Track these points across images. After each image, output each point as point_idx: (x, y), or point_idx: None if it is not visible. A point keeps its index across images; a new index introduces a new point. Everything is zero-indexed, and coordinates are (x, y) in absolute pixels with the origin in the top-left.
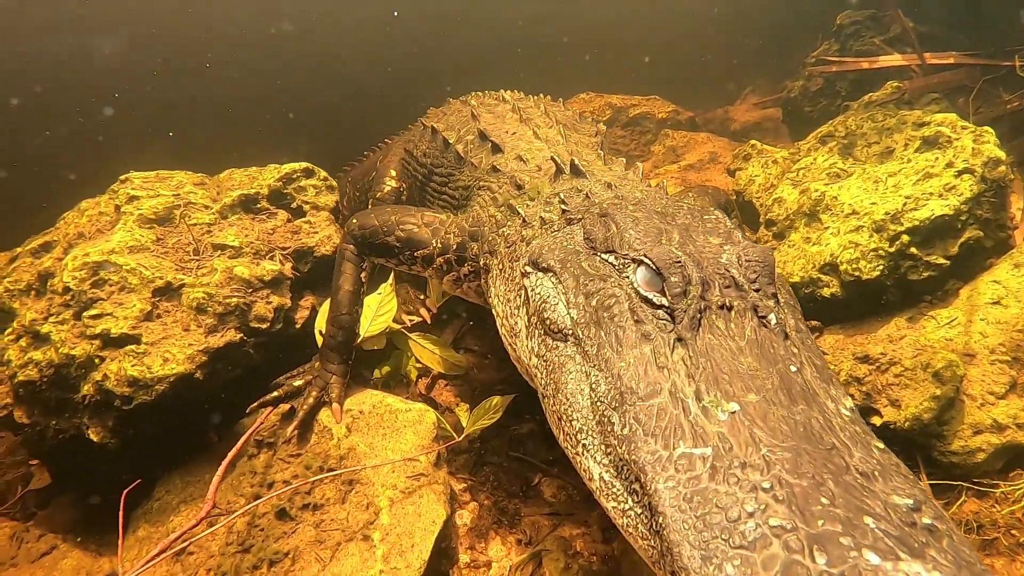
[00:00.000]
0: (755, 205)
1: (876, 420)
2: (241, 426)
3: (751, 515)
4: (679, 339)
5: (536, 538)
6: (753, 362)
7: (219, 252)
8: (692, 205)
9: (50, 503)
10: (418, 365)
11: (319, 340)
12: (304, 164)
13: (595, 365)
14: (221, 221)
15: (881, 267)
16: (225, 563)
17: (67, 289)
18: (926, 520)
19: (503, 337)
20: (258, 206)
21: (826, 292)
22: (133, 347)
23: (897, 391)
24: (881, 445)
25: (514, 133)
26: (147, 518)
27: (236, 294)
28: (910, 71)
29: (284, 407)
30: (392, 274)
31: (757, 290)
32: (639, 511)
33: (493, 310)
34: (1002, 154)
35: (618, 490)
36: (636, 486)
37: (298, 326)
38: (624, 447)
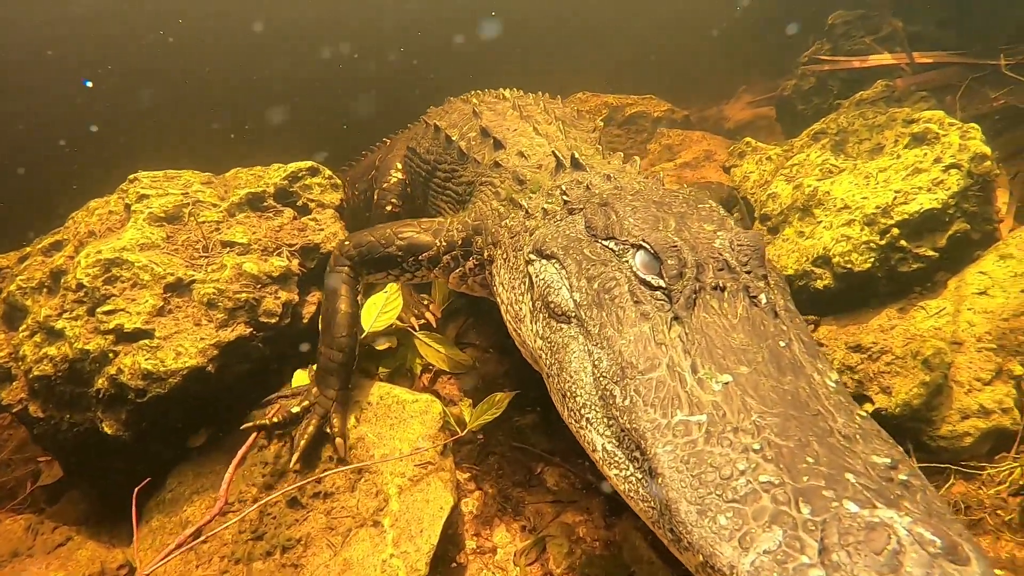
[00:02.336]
0: (751, 201)
1: (868, 407)
2: (251, 418)
3: (742, 473)
4: (676, 317)
5: (540, 525)
6: (745, 338)
7: (228, 249)
8: (688, 195)
9: (61, 498)
10: (422, 361)
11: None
12: (309, 163)
13: (597, 343)
14: (229, 219)
15: (872, 259)
16: (239, 550)
17: (80, 286)
18: (902, 476)
19: (507, 323)
20: (265, 204)
21: (819, 284)
22: (146, 341)
23: (888, 378)
24: (863, 413)
25: (515, 130)
26: (160, 509)
27: (245, 289)
28: (900, 69)
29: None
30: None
31: (748, 272)
32: (639, 476)
33: (498, 299)
34: (987, 150)
35: (620, 458)
36: (636, 453)
37: (305, 321)
38: (625, 417)
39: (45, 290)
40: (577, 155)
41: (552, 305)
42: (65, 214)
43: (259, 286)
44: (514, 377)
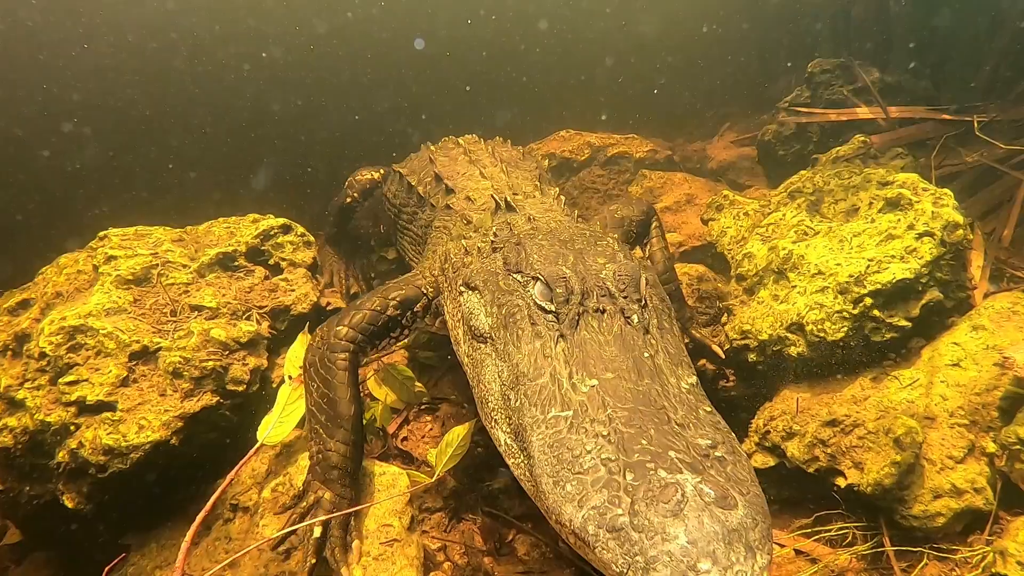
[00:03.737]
0: (727, 257)
1: (841, 481)
2: (217, 488)
3: (589, 452)
4: (561, 335)
5: None
6: (615, 351)
7: (196, 313)
8: (592, 232)
9: (25, 559)
10: (394, 416)
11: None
12: (282, 220)
13: (502, 358)
14: (199, 280)
15: (845, 329)
16: None
17: (43, 354)
18: (718, 453)
19: (454, 347)
20: (236, 264)
21: (793, 351)
22: (108, 414)
23: (860, 453)
24: (709, 408)
25: (464, 173)
26: None
27: (212, 357)
28: (877, 123)
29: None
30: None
31: (625, 297)
32: (525, 461)
33: (445, 323)
34: (960, 217)
35: (515, 449)
36: (523, 443)
37: (274, 385)
38: (516, 416)
39: (10, 353)
40: (510, 198)
41: (473, 328)
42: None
43: (227, 352)
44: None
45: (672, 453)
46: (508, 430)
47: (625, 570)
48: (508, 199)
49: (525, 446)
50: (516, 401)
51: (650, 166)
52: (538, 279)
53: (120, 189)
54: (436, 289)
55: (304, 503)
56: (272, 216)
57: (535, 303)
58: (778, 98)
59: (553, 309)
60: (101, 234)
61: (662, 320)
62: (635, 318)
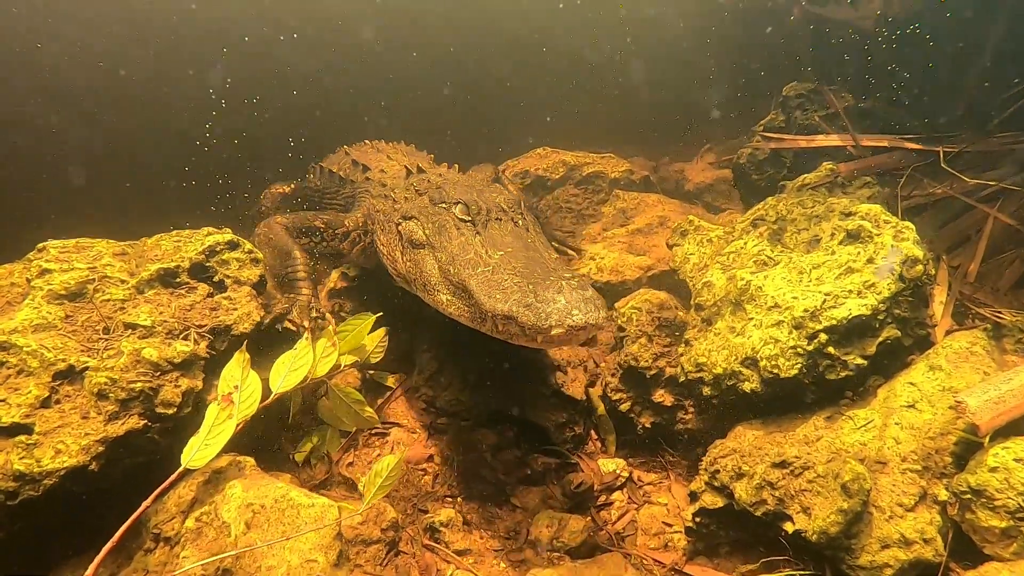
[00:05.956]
0: (688, 285)
1: (788, 526)
2: (144, 516)
3: (506, 280)
4: (477, 233)
5: None
6: (511, 238)
7: (130, 331)
8: (484, 179)
9: None
10: (342, 439)
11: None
12: (229, 236)
13: (439, 251)
14: (137, 296)
15: (799, 365)
16: None
17: None
18: (574, 281)
19: (387, 267)
20: (178, 280)
21: (747, 387)
22: (24, 437)
23: (809, 498)
24: (569, 274)
25: (375, 158)
26: None
27: (142, 378)
28: (846, 150)
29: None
30: (307, 332)
31: (512, 212)
32: (462, 303)
33: (379, 253)
34: (920, 252)
35: (453, 300)
36: (462, 293)
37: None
38: (456, 278)
39: None
40: (420, 166)
41: (414, 241)
42: None
43: (158, 374)
44: (441, 462)
45: (552, 277)
46: (448, 291)
47: (536, 321)
48: (420, 166)
49: (465, 289)
50: (454, 270)
51: (626, 186)
52: (459, 203)
53: (87, 196)
54: (362, 229)
55: (283, 305)
56: (222, 230)
57: (458, 217)
58: (758, 121)
59: (470, 219)
60: (40, 245)
61: (535, 226)
62: (520, 221)
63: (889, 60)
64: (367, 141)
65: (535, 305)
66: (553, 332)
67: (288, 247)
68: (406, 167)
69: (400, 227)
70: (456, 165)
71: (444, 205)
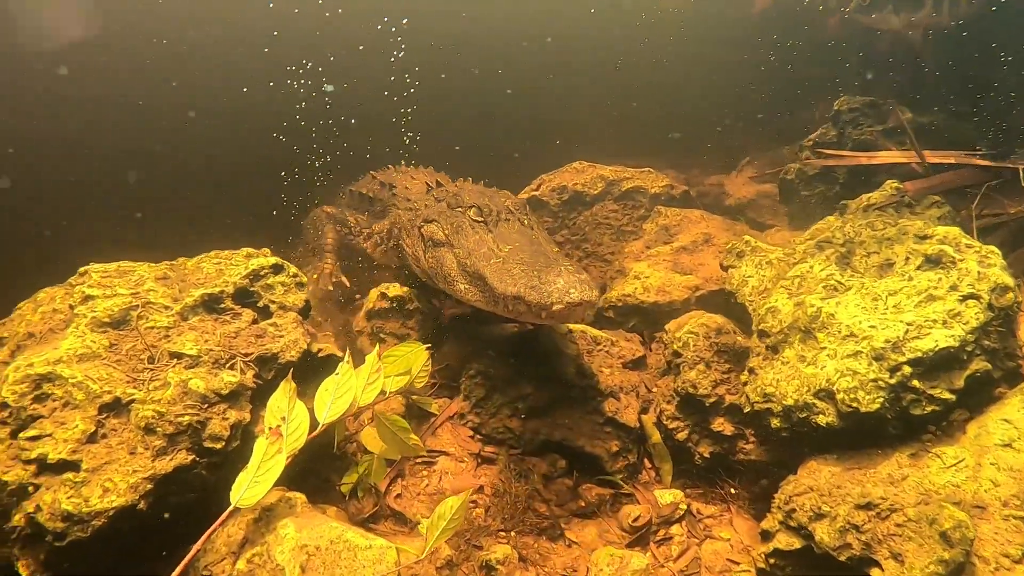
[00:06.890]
0: (748, 309)
1: (876, 573)
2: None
3: (515, 268)
4: (489, 231)
5: None
6: (518, 235)
7: (175, 361)
8: (494, 191)
9: None
10: (388, 468)
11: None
12: (273, 259)
13: (458, 249)
14: (181, 323)
15: (881, 399)
16: None
17: (5, 404)
18: (571, 268)
19: (412, 266)
20: (222, 306)
21: (822, 420)
22: (71, 475)
23: (900, 543)
24: (570, 264)
25: (399, 178)
26: None
27: (190, 411)
28: (910, 167)
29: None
30: (347, 356)
31: (519, 213)
32: (476, 290)
33: (404, 254)
34: (1010, 280)
35: (470, 288)
36: (478, 281)
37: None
38: (472, 269)
39: None
40: (439, 182)
41: (435, 241)
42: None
43: (206, 406)
44: (487, 490)
45: (552, 264)
46: (466, 280)
47: (540, 299)
48: (438, 180)
49: (481, 278)
50: (471, 263)
51: (666, 201)
52: (473, 206)
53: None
54: (386, 234)
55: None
56: (265, 254)
57: (472, 219)
58: (799, 133)
59: (483, 220)
60: (81, 269)
61: (538, 224)
62: (525, 221)
63: (944, 70)
64: (390, 166)
65: (539, 287)
66: (554, 308)
67: (325, 225)
68: (427, 183)
69: (422, 229)
70: (471, 178)
71: (460, 209)
